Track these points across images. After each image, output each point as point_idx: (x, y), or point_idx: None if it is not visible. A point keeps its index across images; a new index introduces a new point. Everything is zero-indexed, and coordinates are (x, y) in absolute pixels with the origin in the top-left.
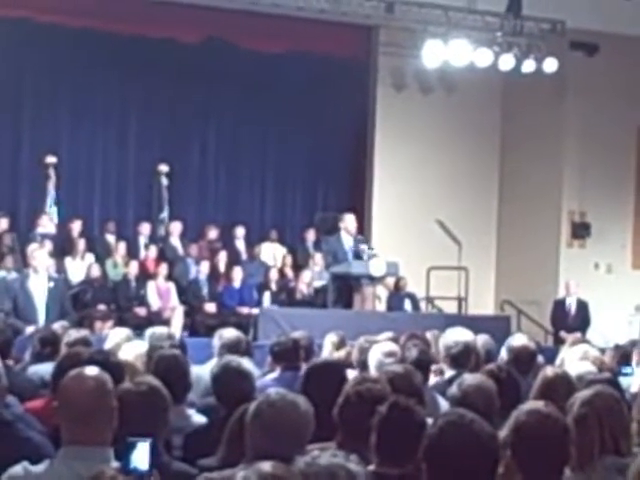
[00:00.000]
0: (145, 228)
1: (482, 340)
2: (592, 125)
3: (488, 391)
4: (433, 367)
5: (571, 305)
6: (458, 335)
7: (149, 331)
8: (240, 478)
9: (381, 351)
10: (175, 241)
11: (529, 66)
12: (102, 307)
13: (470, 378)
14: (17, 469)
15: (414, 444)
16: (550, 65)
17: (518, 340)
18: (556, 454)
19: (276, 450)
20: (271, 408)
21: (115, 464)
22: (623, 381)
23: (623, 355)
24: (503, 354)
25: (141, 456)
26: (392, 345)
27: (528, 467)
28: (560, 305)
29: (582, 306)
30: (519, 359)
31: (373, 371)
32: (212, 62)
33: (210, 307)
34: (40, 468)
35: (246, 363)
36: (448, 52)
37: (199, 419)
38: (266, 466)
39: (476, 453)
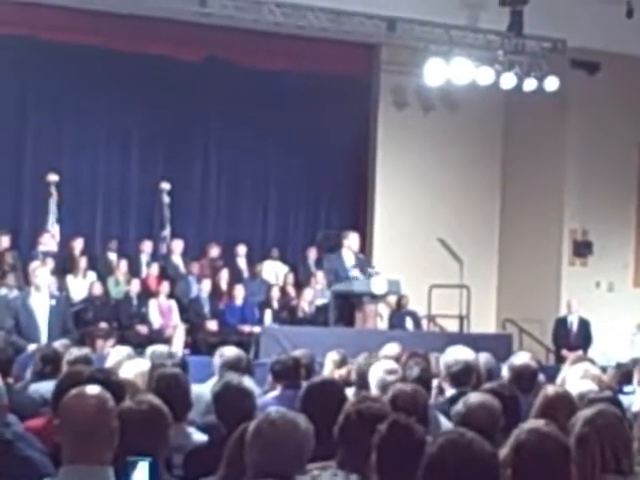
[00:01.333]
0: (147, 246)
1: (484, 359)
2: (593, 143)
3: (493, 409)
4: (434, 383)
5: (573, 323)
6: (459, 354)
7: (149, 349)
8: None
9: (383, 369)
10: (177, 259)
11: (530, 84)
12: (104, 325)
13: (475, 396)
14: None
15: (414, 463)
16: (551, 84)
17: (520, 359)
18: (557, 473)
19: (276, 469)
20: (271, 427)
21: None
22: (624, 400)
23: (624, 374)
24: (504, 372)
25: (141, 475)
26: (393, 363)
27: None
28: (562, 323)
29: (584, 324)
30: (520, 378)
31: (374, 390)
32: (213, 80)
33: (211, 325)
34: None
35: (247, 382)
36: (450, 70)
37: (200, 437)
38: None
39: (476, 472)
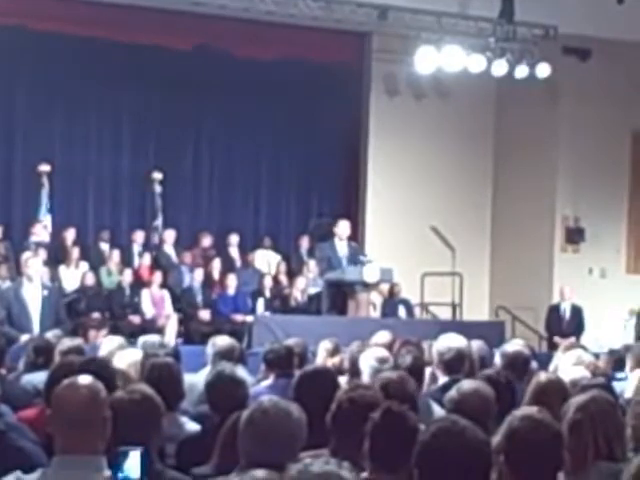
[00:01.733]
0: (139, 236)
1: (476, 346)
2: (585, 130)
3: (486, 396)
4: (427, 371)
5: (566, 310)
6: (451, 341)
7: (141, 339)
8: None
9: (374, 357)
10: (169, 249)
11: (522, 71)
12: (96, 315)
13: (468, 383)
14: (10, 479)
15: (407, 450)
16: (543, 70)
17: (512, 346)
18: (549, 460)
19: (269, 457)
20: (264, 416)
21: (108, 473)
22: (617, 386)
23: (617, 360)
24: (497, 360)
25: (133, 465)
26: (383, 351)
27: (521, 473)
28: (554, 310)
29: (576, 311)
30: (513, 365)
31: (366, 378)
32: (205, 69)
33: (204, 315)
34: (33, 477)
35: (239, 371)
36: (441, 58)
37: (193, 427)
38: (259, 473)
39: (468, 460)
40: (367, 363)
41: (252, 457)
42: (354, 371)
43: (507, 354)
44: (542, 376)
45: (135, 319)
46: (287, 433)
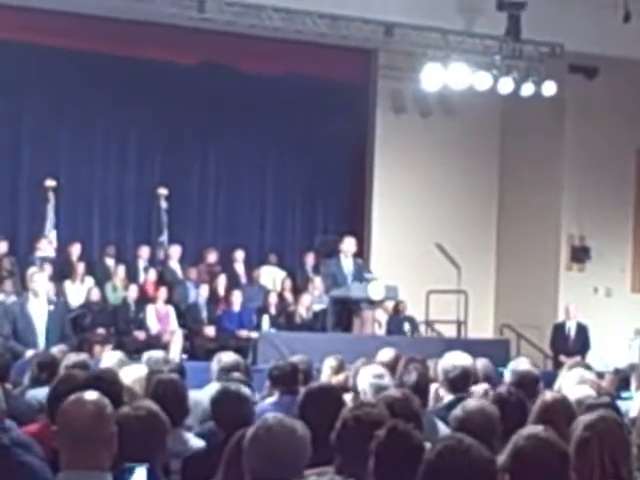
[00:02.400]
0: (144, 251)
1: (481, 364)
2: (591, 148)
3: (491, 415)
4: (432, 388)
5: (571, 329)
6: (456, 359)
7: (145, 355)
8: None
9: (371, 374)
10: (174, 265)
11: (528, 89)
12: (101, 331)
13: (473, 401)
14: None
15: (412, 469)
16: (549, 88)
17: (522, 365)
18: (555, 479)
19: (274, 475)
20: (268, 433)
21: None
22: (622, 405)
23: (622, 379)
24: (507, 378)
25: None
26: (379, 367)
27: None
28: (560, 329)
29: (582, 330)
30: (523, 384)
31: (363, 395)
32: (211, 85)
33: (209, 331)
34: None
35: (244, 388)
36: (447, 75)
37: (197, 443)
38: None
39: (474, 478)
40: (366, 381)
41: (257, 474)
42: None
43: (517, 373)
44: (548, 395)
45: (140, 335)
46: (291, 450)
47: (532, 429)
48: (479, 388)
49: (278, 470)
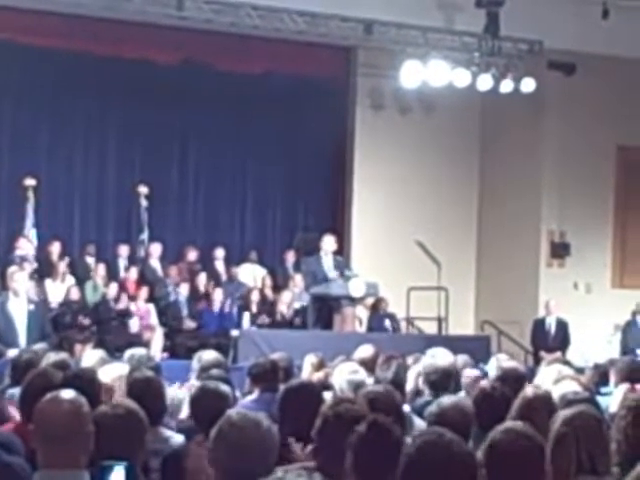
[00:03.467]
0: (124, 250)
1: (462, 360)
2: (570, 144)
3: (465, 410)
4: (408, 386)
5: (551, 325)
6: (437, 360)
7: (128, 353)
8: None
9: (347, 371)
10: (155, 263)
11: (507, 86)
12: (82, 330)
13: (448, 397)
14: None
15: (392, 464)
16: (528, 85)
17: (508, 362)
18: (530, 472)
19: (242, 470)
20: (233, 428)
21: None
22: (602, 401)
23: (602, 374)
24: (491, 373)
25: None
26: (354, 365)
27: None
28: (540, 325)
29: (562, 326)
30: (508, 380)
31: (340, 392)
32: (190, 83)
33: (190, 329)
34: None
35: (224, 385)
36: (426, 72)
37: (178, 439)
38: None
39: (454, 472)
40: (342, 378)
41: (225, 471)
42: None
43: (503, 368)
44: (529, 390)
45: (120, 333)
46: (257, 443)
47: (509, 424)
48: (471, 373)
49: (245, 464)
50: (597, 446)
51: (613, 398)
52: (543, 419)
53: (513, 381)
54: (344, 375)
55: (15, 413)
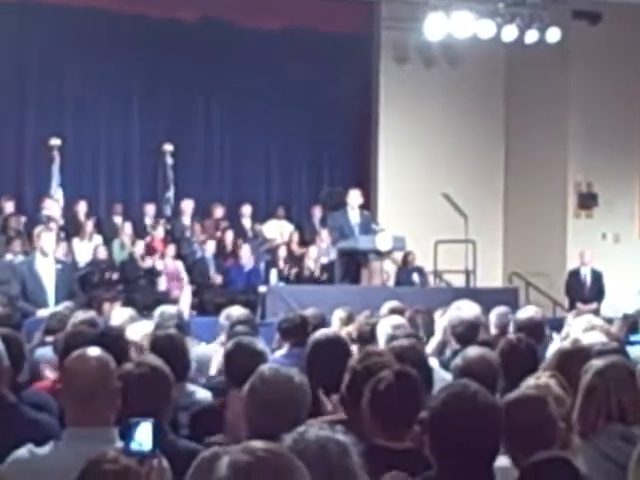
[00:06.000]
0: (150, 209)
1: (497, 312)
2: (597, 94)
3: (491, 362)
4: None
5: (586, 276)
6: (463, 312)
7: (158, 310)
8: (225, 462)
9: (389, 324)
10: (186, 220)
11: (532, 36)
12: (109, 288)
13: (473, 349)
14: (22, 451)
15: (414, 414)
16: (553, 35)
17: (525, 312)
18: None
19: (272, 426)
20: (265, 384)
21: (119, 445)
22: (631, 350)
23: (631, 324)
24: (511, 326)
25: (144, 436)
26: (399, 318)
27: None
28: (575, 276)
29: (597, 276)
30: (528, 330)
31: (383, 345)
32: (213, 40)
33: (217, 285)
34: (45, 450)
35: (258, 341)
36: (450, 24)
37: (203, 394)
38: (256, 445)
39: (480, 424)
40: (383, 331)
41: (256, 426)
42: (364, 339)
43: (520, 320)
44: (566, 343)
45: (148, 291)
46: (289, 398)
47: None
48: None
49: (276, 420)
50: (627, 396)
51: None
52: (578, 372)
53: (533, 330)
54: (385, 329)
55: (49, 373)
